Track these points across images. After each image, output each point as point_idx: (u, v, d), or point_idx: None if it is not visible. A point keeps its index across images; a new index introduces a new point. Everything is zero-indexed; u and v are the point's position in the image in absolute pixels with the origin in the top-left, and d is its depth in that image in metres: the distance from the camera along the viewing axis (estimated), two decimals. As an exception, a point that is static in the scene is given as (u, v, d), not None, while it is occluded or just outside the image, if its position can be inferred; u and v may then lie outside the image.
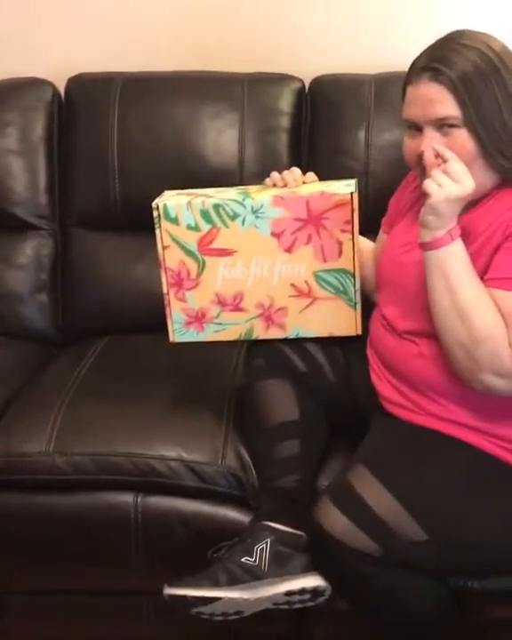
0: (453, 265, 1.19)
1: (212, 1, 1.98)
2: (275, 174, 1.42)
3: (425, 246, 1.21)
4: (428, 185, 1.18)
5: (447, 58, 1.20)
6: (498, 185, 1.25)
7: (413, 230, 1.36)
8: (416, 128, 1.24)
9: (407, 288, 1.32)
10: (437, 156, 1.20)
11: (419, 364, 1.29)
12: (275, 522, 1.28)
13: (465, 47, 1.20)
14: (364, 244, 1.53)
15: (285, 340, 1.43)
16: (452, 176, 1.17)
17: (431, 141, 1.22)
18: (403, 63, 1.75)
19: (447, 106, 1.19)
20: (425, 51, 1.25)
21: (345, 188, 1.36)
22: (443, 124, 1.21)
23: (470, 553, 1.22)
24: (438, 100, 1.20)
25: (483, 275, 1.21)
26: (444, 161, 1.19)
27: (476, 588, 1.30)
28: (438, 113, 1.20)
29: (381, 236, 1.52)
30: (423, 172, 1.25)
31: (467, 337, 1.18)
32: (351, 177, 1.52)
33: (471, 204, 1.26)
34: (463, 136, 1.20)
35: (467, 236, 1.23)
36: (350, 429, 1.40)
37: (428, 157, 1.21)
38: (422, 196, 1.39)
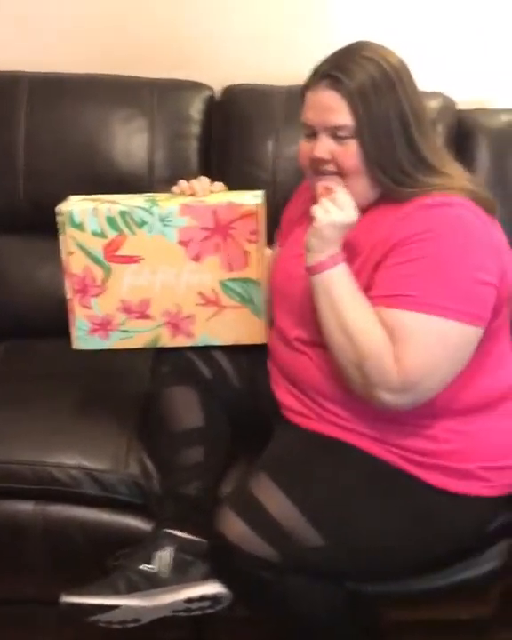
0: (337, 288, 1.23)
1: (126, 5, 1.97)
2: (183, 182, 1.42)
3: (310, 270, 1.25)
4: (316, 210, 1.23)
5: (347, 68, 1.23)
6: (377, 200, 1.29)
7: (302, 240, 1.39)
8: (312, 133, 1.28)
9: (297, 299, 1.34)
10: (328, 188, 1.25)
11: (312, 374, 1.31)
12: (176, 529, 1.29)
13: (365, 59, 1.24)
14: (271, 253, 1.55)
15: (192, 348, 1.43)
16: (339, 204, 1.22)
17: (324, 147, 1.25)
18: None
19: (342, 115, 1.23)
20: (327, 58, 1.28)
21: (252, 198, 1.38)
22: (338, 134, 1.24)
23: (366, 557, 1.25)
24: (334, 108, 1.23)
25: (366, 290, 1.24)
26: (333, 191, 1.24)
27: (372, 591, 1.34)
28: (333, 121, 1.24)
29: (275, 248, 1.54)
30: (314, 176, 1.29)
31: (354, 355, 1.20)
32: (259, 186, 1.54)
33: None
34: (353, 146, 1.24)
35: (349, 252, 1.26)
36: (255, 437, 1.41)
37: (319, 188, 1.27)
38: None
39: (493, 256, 1.22)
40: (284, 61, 1.97)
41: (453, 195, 1.22)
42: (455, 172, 1.29)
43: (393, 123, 1.23)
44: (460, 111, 1.84)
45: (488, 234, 1.24)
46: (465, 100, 1.87)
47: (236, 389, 1.45)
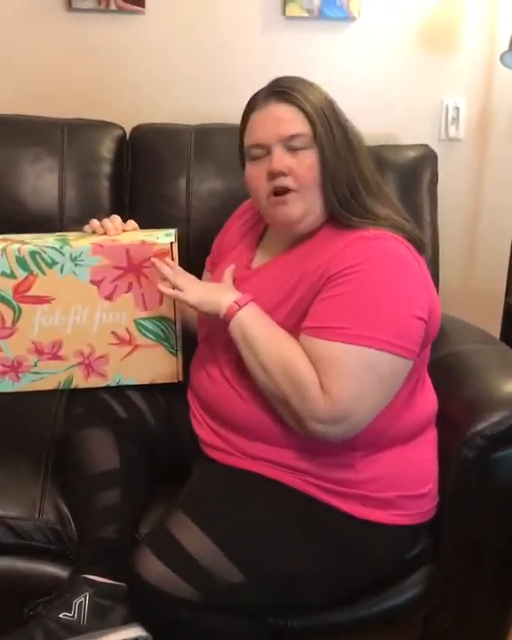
0: (249, 328, 1.25)
1: (35, 45, 1.97)
2: (94, 222, 1.41)
3: (223, 321, 1.27)
4: (178, 295, 1.31)
5: (292, 86, 1.26)
6: (323, 225, 1.30)
7: (238, 265, 1.40)
8: (261, 154, 1.27)
9: (225, 329, 1.32)
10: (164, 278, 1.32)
11: (237, 407, 1.31)
12: (94, 574, 1.26)
13: (304, 82, 1.28)
14: None
15: (106, 388, 1.42)
16: (182, 288, 1.30)
17: (281, 158, 1.25)
18: (219, 115, 1.84)
19: (298, 124, 1.24)
20: (264, 87, 1.30)
21: (165, 237, 1.38)
22: (291, 145, 1.25)
23: (288, 591, 1.24)
24: (289, 118, 1.25)
25: (302, 318, 1.24)
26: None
27: (295, 626, 1.32)
28: (288, 130, 1.24)
29: (205, 274, 1.55)
30: (269, 198, 1.28)
31: (278, 391, 1.22)
32: (173, 224, 1.55)
33: (300, 239, 1.31)
34: (311, 157, 1.24)
35: (290, 279, 1.27)
36: (174, 475, 1.40)
37: (164, 291, 1.33)
38: (249, 231, 1.44)
39: (424, 291, 1.25)
40: (191, 101, 2.01)
41: (389, 231, 1.25)
42: (392, 202, 1.32)
43: (342, 143, 1.25)
44: (368, 147, 1.90)
45: (420, 269, 1.26)
46: (371, 135, 1.93)
47: (152, 428, 1.44)
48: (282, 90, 1.26)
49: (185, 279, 1.33)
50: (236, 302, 1.26)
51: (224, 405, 1.33)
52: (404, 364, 1.22)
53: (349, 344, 1.18)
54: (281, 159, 1.25)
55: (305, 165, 1.25)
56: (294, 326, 1.25)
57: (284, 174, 1.25)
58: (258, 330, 1.25)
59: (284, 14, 2.00)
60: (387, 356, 1.19)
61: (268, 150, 1.26)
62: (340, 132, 1.26)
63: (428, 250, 1.76)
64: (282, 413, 1.24)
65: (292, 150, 1.25)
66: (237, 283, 1.37)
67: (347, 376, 1.18)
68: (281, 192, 1.27)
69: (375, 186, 1.29)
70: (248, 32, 2.01)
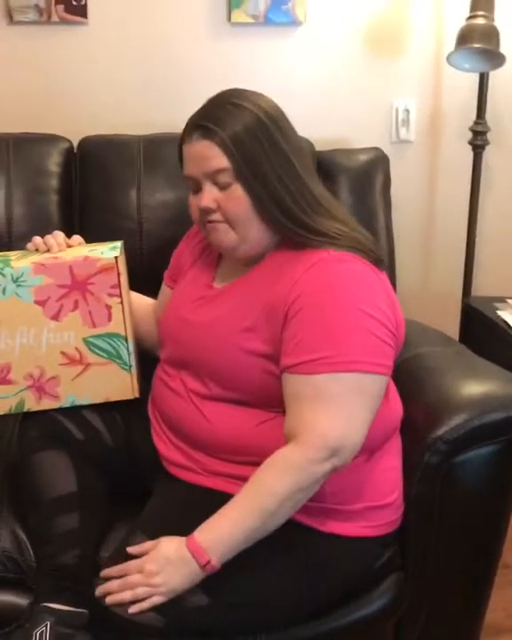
0: (231, 543, 1.17)
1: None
2: (37, 239, 1.39)
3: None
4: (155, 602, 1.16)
5: (216, 117, 1.24)
6: (277, 245, 1.29)
7: (197, 285, 1.38)
8: (197, 186, 1.27)
9: (188, 345, 1.32)
10: None
11: (202, 426, 1.29)
12: (54, 602, 1.23)
13: (235, 106, 1.25)
14: (140, 300, 1.54)
15: (60, 409, 1.39)
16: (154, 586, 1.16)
17: (210, 196, 1.25)
18: (168, 125, 1.82)
19: (218, 159, 1.23)
20: (197, 111, 1.28)
21: (110, 251, 1.35)
22: (219, 181, 1.24)
23: (254, 610, 1.22)
24: (209, 155, 1.24)
25: (273, 342, 1.22)
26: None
27: (266, 643, 1.31)
28: (210, 166, 1.24)
29: (164, 289, 1.53)
30: (205, 227, 1.28)
31: (288, 491, 1.17)
32: (125, 236, 1.53)
33: (258, 260, 1.30)
34: (238, 191, 1.24)
35: (251, 305, 1.25)
36: (134, 494, 1.37)
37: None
38: (206, 249, 1.42)
39: (389, 307, 1.25)
40: (139, 111, 1.99)
41: (348, 251, 1.23)
42: (344, 216, 1.30)
43: (277, 166, 1.23)
44: (320, 152, 1.89)
45: (384, 286, 1.26)
46: (323, 140, 1.92)
47: (110, 448, 1.41)
48: (203, 124, 1.24)
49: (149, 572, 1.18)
50: (202, 567, 1.16)
51: (189, 423, 1.31)
52: (383, 380, 1.23)
53: (334, 372, 1.18)
54: (209, 196, 1.25)
55: (232, 200, 1.24)
56: (270, 354, 1.23)
57: (212, 210, 1.26)
58: (238, 539, 1.17)
59: (230, 21, 1.99)
60: (370, 376, 1.19)
61: (199, 185, 1.27)
62: (272, 154, 1.23)
63: (384, 254, 1.76)
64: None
65: (221, 185, 1.25)
66: (200, 301, 1.35)
67: (335, 405, 1.17)
68: (212, 222, 1.27)
69: (324, 203, 1.28)
70: (193, 40, 2.00)
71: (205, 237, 1.35)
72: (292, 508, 1.18)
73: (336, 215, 1.28)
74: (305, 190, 1.26)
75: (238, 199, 1.24)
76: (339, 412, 1.17)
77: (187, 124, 1.29)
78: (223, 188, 1.25)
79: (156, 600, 1.15)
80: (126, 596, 1.16)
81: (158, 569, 1.16)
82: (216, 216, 1.26)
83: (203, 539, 1.16)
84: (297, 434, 1.18)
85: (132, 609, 1.15)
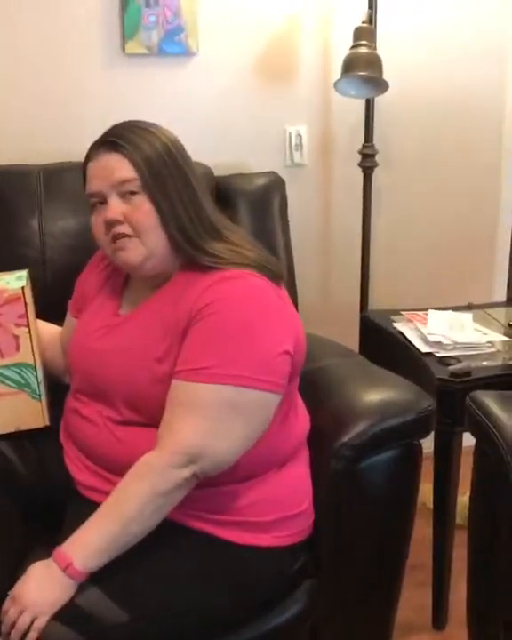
0: (93, 550, 1.19)
1: None
2: None
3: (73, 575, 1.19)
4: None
5: (122, 135, 1.29)
6: (180, 266, 1.32)
7: (103, 314, 1.39)
8: (100, 202, 1.29)
9: (98, 374, 1.33)
10: None
11: (115, 448, 1.30)
12: (-28, 635, 1.22)
13: (142, 130, 1.30)
14: (47, 329, 1.54)
15: (-30, 441, 1.38)
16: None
17: (116, 209, 1.27)
18: (65, 154, 1.83)
19: (125, 170, 1.26)
20: (101, 135, 1.32)
21: (16, 281, 1.36)
22: (125, 191, 1.27)
23: (172, 624, 1.23)
24: (116, 166, 1.27)
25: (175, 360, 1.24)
26: None
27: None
28: (117, 177, 1.27)
29: (69, 319, 1.53)
30: (110, 245, 1.30)
31: (141, 494, 1.19)
32: (29, 265, 1.53)
33: (162, 282, 1.32)
34: (145, 203, 1.27)
35: (158, 326, 1.27)
36: (49, 521, 1.37)
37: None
38: (111, 276, 1.43)
39: (287, 325, 1.28)
40: (36, 141, 1.99)
41: (246, 270, 1.27)
42: (243, 242, 1.33)
43: (178, 187, 1.28)
44: (218, 177, 1.95)
45: (281, 303, 1.29)
46: (220, 165, 1.98)
47: (23, 476, 1.41)
48: (111, 140, 1.29)
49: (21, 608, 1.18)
50: (63, 570, 1.17)
51: (104, 449, 1.32)
52: (271, 397, 1.24)
53: (213, 384, 1.20)
54: (115, 207, 1.28)
55: (140, 211, 1.27)
56: (168, 374, 1.25)
57: (119, 222, 1.28)
58: (98, 538, 1.19)
59: (124, 51, 2.03)
60: (252, 392, 1.21)
61: (104, 199, 1.29)
62: (175, 176, 1.28)
63: (284, 271, 1.81)
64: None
65: (126, 197, 1.28)
66: (107, 329, 1.37)
67: (203, 415, 1.20)
68: (119, 237, 1.29)
69: (219, 227, 1.32)
70: (89, 70, 2.02)
71: (111, 260, 1.36)
72: (155, 513, 1.20)
73: (230, 238, 1.32)
74: (202, 214, 1.30)
75: (145, 210, 1.27)
76: (206, 422, 1.20)
77: (92, 144, 1.32)
78: (129, 198, 1.27)
79: (41, 622, 1.15)
80: (14, 636, 1.15)
81: (24, 590, 1.17)
82: (123, 228, 1.28)
83: (66, 546, 1.19)
84: (161, 438, 1.21)
85: None
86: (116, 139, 1.28)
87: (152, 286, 1.35)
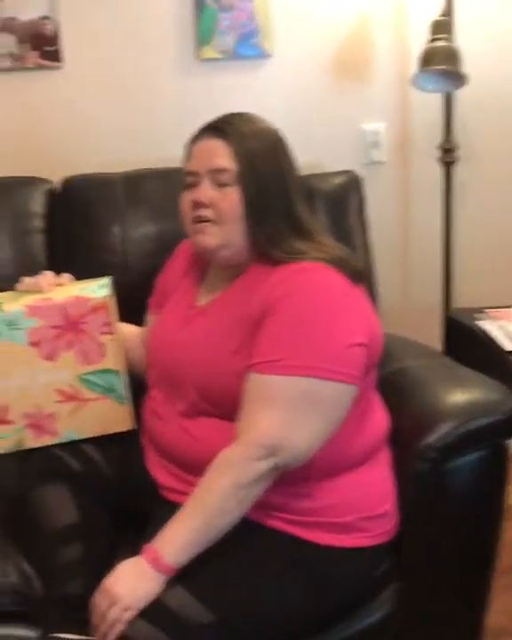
0: (182, 547, 1.20)
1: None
2: (26, 280, 1.41)
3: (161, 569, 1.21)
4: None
5: (231, 123, 1.31)
6: (250, 261, 1.33)
7: (182, 305, 1.41)
8: (192, 183, 1.32)
9: (174, 366, 1.35)
10: None
11: (191, 448, 1.31)
12: (63, 632, 1.25)
13: (251, 121, 1.33)
14: (131, 330, 1.56)
15: (59, 444, 1.41)
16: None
17: (205, 190, 1.30)
18: (145, 161, 1.86)
19: (225, 158, 1.29)
20: (218, 117, 1.34)
21: (100, 289, 1.38)
22: (218, 179, 1.29)
23: (259, 626, 1.24)
24: (218, 152, 1.29)
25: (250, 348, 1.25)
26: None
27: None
28: (216, 163, 1.29)
29: (149, 317, 1.55)
30: (192, 225, 1.32)
31: (221, 488, 1.20)
32: (110, 271, 1.55)
33: (236, 274, 1.34)
34: (234, 194, 1.28)
35: (237, 315, 1.28)
36: (135, 522, 1.40)
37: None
38: (191, 268, 1.45)
39: (361, 317, 1.27)
40: (117, 149, 2.04)
41: (322, 263, 1.27)
42: (327, 241, 1.34)
43: (273, 182, 1.29)
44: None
45: (355, 297, 1.29)
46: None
47: (109, 478, 1.43)
48: (218, 125, 1.31)
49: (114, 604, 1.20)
50: (150, 563, 1.19)
51: (179, 447, 1.34)
52: (346, 389, 1.23)
53: (288, 375, 1.20)
54: (205, 191, 1.31)
55: (227, 201, 1.29)
56: (243, 367, 1.26)
57: (205, 205, 1.30)
58: (182, 532, 1.20)
59: (199, 58, 2.04)
60: (326, 383, 1.21)
61: (199, 180, 1.32)
62: (273, 171, 1.30)
63: (365, 272, 1.79)
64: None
65: (219, 185, 1.30)
66: (184, 321, 1.39)
67: (280, 407, 1.20)
68: (201, 220, 1.31)
69: (307, 226, 1.32)
70: (165, 78, 2.05)
71: (192, 244, 1.38)
72: (238, 505, 1.20)
73: (316, 238, 1.33)
74: (290, 211, 1.31)
75: (232, 201, 1.29)
76: (283, 414, 1.20)
77: (204, 125, 1.34)
78: (221, 187, 1.29)
79: (128, 615, 1.17)
80: (102, 628, 1.18)
81: (114, 583, 1.19)
82: (207, 212, 1.30)
83: (155, 542, 1.21)
84: (240, 432, 1.21)
85: (110, 637, 1.17)
86: (226, 126, 1.30)
87: (228, 277, 1.36)
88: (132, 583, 1.19)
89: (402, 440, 1.39)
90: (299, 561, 1.27)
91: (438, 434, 1.33)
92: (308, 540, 1.28)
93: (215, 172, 1.30)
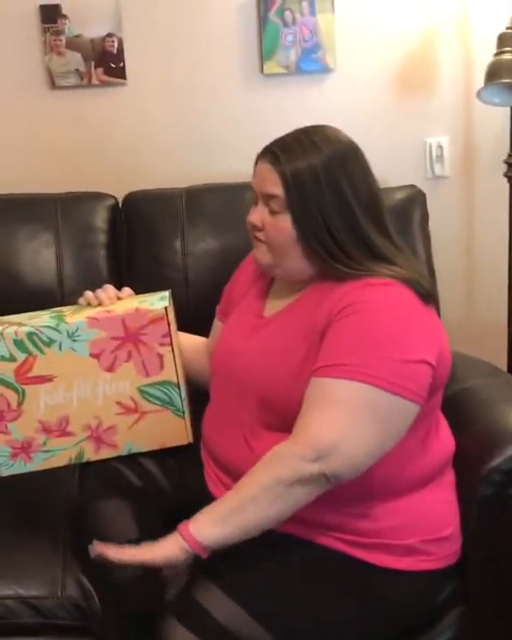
0: (219, 530, 1.19)
1: (21, 125, 2.03)
2: (88, 294, 1.43)
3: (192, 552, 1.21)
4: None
5: (289, 148, 1.28)
6: (315, 276, 1.32)
7: (248, 314, 1.41)
8: (256, 201, 1.33)
9: (238, 374, 1.34)
10: None
11: (248, 461, 1.28)
12: (121, 648, 1.26)
13: (311, 143, 1.28)
14: (192, 341, 1.57)
15: (118, 457, 1.42)
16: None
17: (259, 215, 1.31)
18: (207, 176, 1.87)
19: (273, 185, 1.28)
20: (280, 137, 1.33)
21: (159, 302, 1.39)
22: (271, 206, 1.29)
23: None
24: (268, 177, 1.29)
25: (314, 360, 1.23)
26: None
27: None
28: (267, 189, 1.29)
29: (216, 323, 1.56)
30: (253, 240, 1.34)
31: (271, 482, 1.18)
32: (171, 285, 1.56)
33: (303, 286, 1.33)
34: (285, 222, 1.28)
35: (303, 327, 1.27)
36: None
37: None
38: (259, 278, 1.45)
39: (430, 336, 1.25)
40: (179, 164, 2.06)
41: (392, 279, 1.25)
42: (402, 262, 1.30)
43: (331, 208, 1.25)
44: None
45: (427, 316, 1.26)
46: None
47: (166, 492, 1.43)
48: (274, 150, 1.29)
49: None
50: (182, 536, 1.20)
51: (238, 463, 1.32)
52: (408, 405, 1.21)
53: (348, 380, 1.18)
54: (259, 213, 1.32)
55: (277, 228, 1.29)
56: (306, 377, 1.24)
57: (258, 228, 1.32)
58: (217, 508, 1.21)
59: (262, 72, 2.05)
60: (388, 395, 1.18)
61: (258, 200, 1.33)
62: (327, 199, 1.25)
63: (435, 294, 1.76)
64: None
65: (271, 212, 1.29)
66: (250, 331, 1.39)
67: (337, 411, 1.18)
68: (255, 238, 1.34)
69: (379, 251, 1.28)
70: (228, 93, 2.06)
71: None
72: (274, 501, 1.17)
73: (393, 261, 1.28)
74: (360, 235, 1.27)
75: (283, 229, 1.28)
76: (340, 418, 1.17)
77: (266, 146, 1.33)
78: (273, 213, 1.29)
79: (139, 554, 1.20)
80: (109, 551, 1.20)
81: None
82: (260, 234, 1.32)
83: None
84: (295, 432, 1.19)
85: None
86: (278, 150, 1.29)
87: (295, 289, 1.36)
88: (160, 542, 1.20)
89: (465, 462, 1.36)
90: (359, 582, 1.25)
91: (504, 456, 1.31)
92: (369, 561, 1.25)
93: (266, 197, 1.30)
